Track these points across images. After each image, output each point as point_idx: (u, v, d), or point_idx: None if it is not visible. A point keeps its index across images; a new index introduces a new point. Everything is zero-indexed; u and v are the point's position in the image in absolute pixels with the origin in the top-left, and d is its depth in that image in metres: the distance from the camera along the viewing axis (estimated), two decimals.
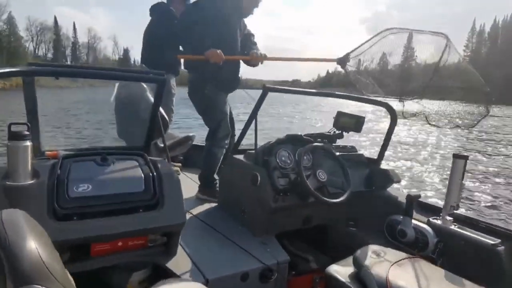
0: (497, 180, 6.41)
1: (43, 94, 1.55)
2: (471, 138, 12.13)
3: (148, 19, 3.31)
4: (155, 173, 1.54)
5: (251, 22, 2.77)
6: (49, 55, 77.71)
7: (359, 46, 2.44)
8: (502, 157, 8.94)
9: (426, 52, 2.31)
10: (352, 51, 2.47)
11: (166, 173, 1.56)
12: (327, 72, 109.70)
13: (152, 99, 1.95)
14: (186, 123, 13.22)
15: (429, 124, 1.99)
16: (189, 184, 2.84)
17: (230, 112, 2.81)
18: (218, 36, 2.43)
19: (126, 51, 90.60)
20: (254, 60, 2.61)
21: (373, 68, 2.52)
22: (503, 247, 1.57)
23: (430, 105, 2.05)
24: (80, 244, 1.38)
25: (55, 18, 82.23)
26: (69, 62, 78.73)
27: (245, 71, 2.75)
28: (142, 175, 1.52)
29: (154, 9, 3.23)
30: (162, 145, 2.32)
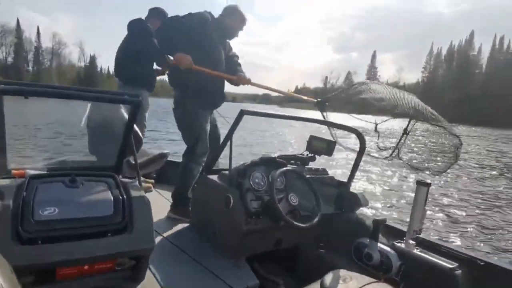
0: (458, 204, 6.72)
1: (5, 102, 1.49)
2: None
3: (122, 31, 3.32)
4: (125, 196, 1.51)
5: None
6: (10, 59, 74.16)
7: (335, 93, 2.62)
8: (464, 179, 9.42)
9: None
10: (330, 96, 2.63)
11: (137, 196, 1.53)
12: (296, 87, 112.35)
13: (126, 116, 1.92)
14: (152, 134, 12.99)
15: (399, 158, 2.12)
16: (161, 202, 2.80)
17: (217, 130, 2.84)
18: (201, 51, 2.48)
19: (93, 58, 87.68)
20: (240, 80, 2.68)
21: (339, 86, 2.67)
22: (460, 271, 1.67)
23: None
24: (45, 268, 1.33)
25: (17, 20, 78.14)
26: (30, 67, 75.34)
27: None
28: (112, 198, 1.48)
29: (131, 25, 3.24)
30: (133, 162, 2.28)
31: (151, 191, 3.11)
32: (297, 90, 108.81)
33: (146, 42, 3.04)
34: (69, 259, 1.33)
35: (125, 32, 3.32)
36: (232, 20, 2.66)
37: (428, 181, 1.90)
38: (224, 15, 2.66)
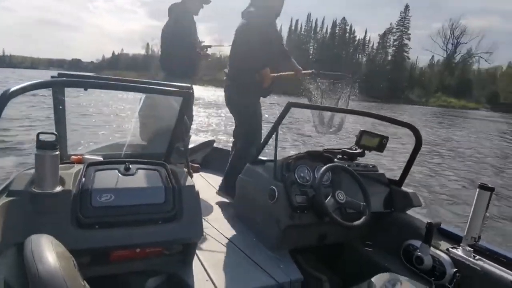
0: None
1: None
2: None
3: None
4: (175, 185, 1.55)
5: None
6: None
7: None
8: None
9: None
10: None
11: (187, 185, 1.57)
12: (113, 53, 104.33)
13: (176, 106, 1.98)
14: None
15: None
16: (206, 187, 2.88)
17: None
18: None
19: None
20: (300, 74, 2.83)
21: None
22: None
23: None
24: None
25: None
26: None
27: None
28: (163, 187, 1.53)
29: (172, 10, 3.26)
30: (182, 148, 2.35)
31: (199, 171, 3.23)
32: (114, 55, 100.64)
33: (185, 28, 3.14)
34: (123, 245, 1.40)
35: None
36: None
37: (491, 185, 1.74)
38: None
